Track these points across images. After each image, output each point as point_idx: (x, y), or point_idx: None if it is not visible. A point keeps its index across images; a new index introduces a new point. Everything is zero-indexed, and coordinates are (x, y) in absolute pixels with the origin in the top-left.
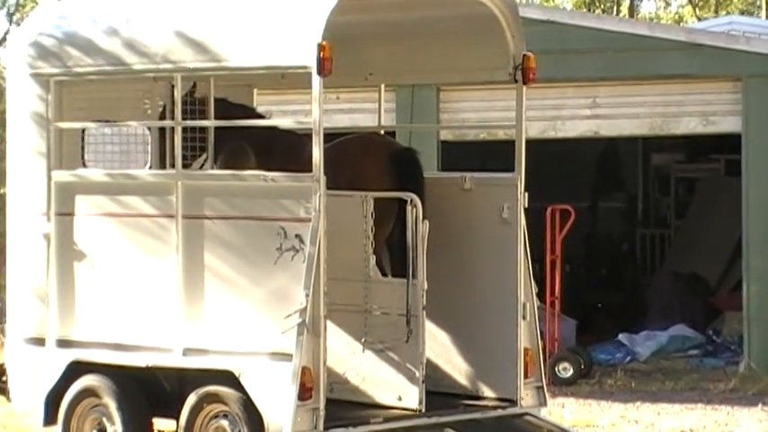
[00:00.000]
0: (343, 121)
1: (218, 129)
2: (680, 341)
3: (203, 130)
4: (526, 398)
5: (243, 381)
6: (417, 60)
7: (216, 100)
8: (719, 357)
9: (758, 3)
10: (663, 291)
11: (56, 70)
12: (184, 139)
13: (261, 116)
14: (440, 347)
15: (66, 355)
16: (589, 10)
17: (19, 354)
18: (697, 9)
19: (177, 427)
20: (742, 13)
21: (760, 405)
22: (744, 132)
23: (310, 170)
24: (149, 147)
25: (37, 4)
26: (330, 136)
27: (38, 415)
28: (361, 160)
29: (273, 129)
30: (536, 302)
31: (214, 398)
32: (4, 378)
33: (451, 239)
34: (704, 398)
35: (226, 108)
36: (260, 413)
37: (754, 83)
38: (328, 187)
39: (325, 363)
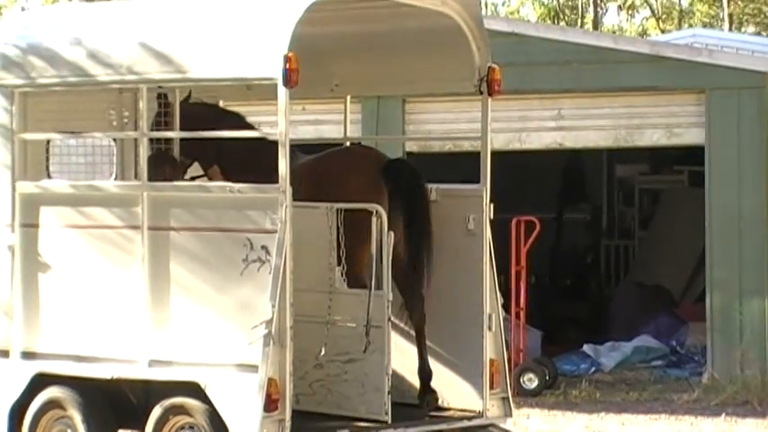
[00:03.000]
0: (309, 133)
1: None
2: (644, 352)
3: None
4: (492, 409)
5: (209, 392)
6: (383, 72)
7: (208, 106)
8: (683, 368)
9: (721, 16)
10: (627, 302)
11: (20, 81)
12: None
13: (251, 126)
14: (406, 359)
15: (31, 368)
16: (554, 22)
17: None
18: (660, 22)
19: None
20: (705, 25)
21: (723, 415)
22: (707, 144)
23: (298, 182)
24: (115, 158)
25: (1, 14)
26: (298, 147)
27: (1, 428)
28: (354, 175)
29: (263, 140)
30: (501, 313)
31: (180, 409)
32: None
33: None
34: (668, 408)
35: (217, 114)
36: (226, 425)
37: (716, 95)
38: (314, 201)
39: (291, 374)
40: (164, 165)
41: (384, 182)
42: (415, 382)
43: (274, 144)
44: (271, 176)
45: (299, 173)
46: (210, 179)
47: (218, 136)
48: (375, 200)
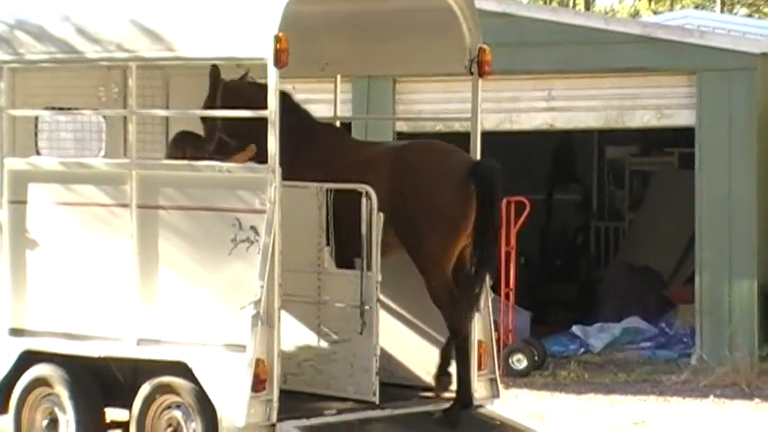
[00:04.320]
0: None
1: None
2: (633, 333)
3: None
4: (480, 390)
5: (196, 372)
6: (373, 52)
7: (255, 84)
8: (672, 350)
9: None
10: (616, 283)
11: (8, 57)
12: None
13: (296, 106)
14: (394, 339)
15: (19, 345)
16: (545, 3)
17: None
18: (652, 3)
19: (130, 418)
20: (696, 7)
21: (711, 397)
22: (697, 126)
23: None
24: (104, 135)
25: None
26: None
27: None
28: (443, 177)
29: (303, 121)
30: (490, 294)
31: (167, 388)
32: None
33: None
34: (656, 390)
35: (264, 93)
36: (213, 404)
37: (707, 77)
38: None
39: (279, 354)
40: (184, 146)
41: (473, 186)
42: (404, 361)
43: (313, 125)
44: (303, 157)
45: (380, 162)
46: (238, 155)
47: (209, 114)
48: (461, 207)
